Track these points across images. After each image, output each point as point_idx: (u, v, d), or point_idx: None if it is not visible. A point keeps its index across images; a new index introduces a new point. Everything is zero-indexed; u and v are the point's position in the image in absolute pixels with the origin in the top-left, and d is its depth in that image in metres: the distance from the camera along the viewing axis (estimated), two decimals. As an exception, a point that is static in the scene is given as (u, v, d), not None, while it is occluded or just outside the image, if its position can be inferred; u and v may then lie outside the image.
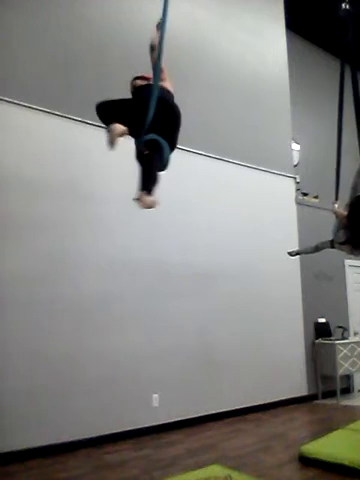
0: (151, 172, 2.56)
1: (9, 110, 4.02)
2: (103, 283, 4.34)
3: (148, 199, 2.36)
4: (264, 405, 5.38)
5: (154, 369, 4.51)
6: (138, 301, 4.54)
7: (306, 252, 4.90)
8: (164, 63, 2.79)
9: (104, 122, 2.60)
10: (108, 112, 2.65)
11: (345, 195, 6.56)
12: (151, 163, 2.60)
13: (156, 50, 2.76)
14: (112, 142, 2.53)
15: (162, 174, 2.66)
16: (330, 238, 4.45)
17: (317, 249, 4.59)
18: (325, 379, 6.14)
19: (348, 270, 6.98)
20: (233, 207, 5.57)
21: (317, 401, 5.99)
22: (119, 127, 2.49)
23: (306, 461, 3.39)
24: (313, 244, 4.65)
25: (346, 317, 6.79)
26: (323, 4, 6.79)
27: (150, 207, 2.41)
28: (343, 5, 3.91)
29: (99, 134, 4.55)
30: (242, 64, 6.08)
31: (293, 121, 6.57)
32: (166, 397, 4.55)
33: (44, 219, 4.08)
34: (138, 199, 2.36)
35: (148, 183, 2.48)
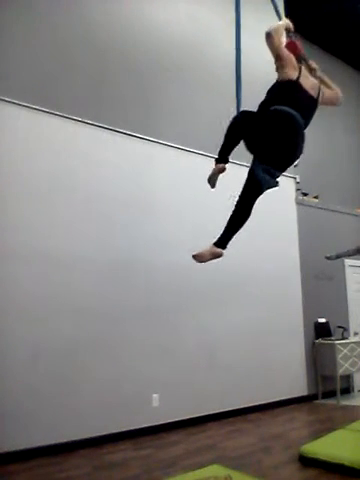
0: (231, 217, 2.58)
1: (9, 110, 4.03)
2: (103, 283, 4.33)
3: (209, 252, 2.36)
4: (264, 405, 5.37)
5: (154, 369, 4.51)
6: (138, 301, 4.54)
7: (347, 254, 4.79)
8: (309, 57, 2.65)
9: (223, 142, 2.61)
10: (232, 131, 2.59)
11: (347, 195, 6.56)
12: (235, 206, 2.57)
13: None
14: (210, 180, 2.65)
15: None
16: (338, 239, 4.41)
17: (359, 251, 4.49)
18: (325, 379, 6.14)
19: (348, 270, 6.98)
20: (232, 207, 5.55)
21: (317, 401, 5.99)
22: (218, 166, 2.59)
23: (306, 461, 3.39)
24: (354, 246, 4.57)
25: (346, 317, 6.78)
26: (323, 4, 6.79)
27: (210, 259, 2.38)
28: None
29: (98, 134, 4.57)
30: (242, 64, 6.07)
31: (293, 121, 6.57)
32: (166, 397, 4.55)
33: (43, 219, 4.08)
34: (196, 255, 2.36)
35: (225, 230, 2.51)
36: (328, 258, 4.94)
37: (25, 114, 4.11)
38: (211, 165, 5.70)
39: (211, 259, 2.43)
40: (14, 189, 3.97)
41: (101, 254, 4.36)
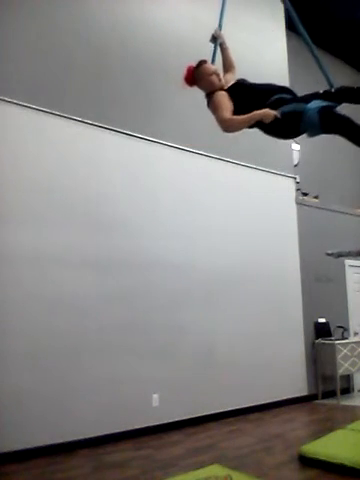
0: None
1: (8, 110, 4.02)
2: (103, 282, 4.33)
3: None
4: (264, 405, 5.37)
5: (154, 369, 4.51)
6: (138, 301, 4.54)
7: (349, 255, 4.77)
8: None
9: None
10: None
11: (347, 195, 6.53)
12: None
13: None
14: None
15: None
16: (338, 239, 4.40)
17: None
18: (325, 379, 6.14)
19: (348, 270, 6.97)
20: (233, 207, 5.57)
21: (317, 401, 5.99)
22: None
23: (306, 461, 3.38)
24: (357, 248, 4.55)
25: (346, 317, 6.78)
26: (323, 4, 6.79)
27: None
28: None
29: (98, 134, 4.57)
30: (242, 64, 6.03)
31: (293, 121, 6.56)
32: (166, 397, 4.55)
33: (43, 218, 4.08)
34: None
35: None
36: (329, 255, 4.94)
37: (24, 114, 4.10)
38: (210, 164, 5.65)
39: None
40: (15, 188, 3.97)
41: (99, 253, 4.36)
